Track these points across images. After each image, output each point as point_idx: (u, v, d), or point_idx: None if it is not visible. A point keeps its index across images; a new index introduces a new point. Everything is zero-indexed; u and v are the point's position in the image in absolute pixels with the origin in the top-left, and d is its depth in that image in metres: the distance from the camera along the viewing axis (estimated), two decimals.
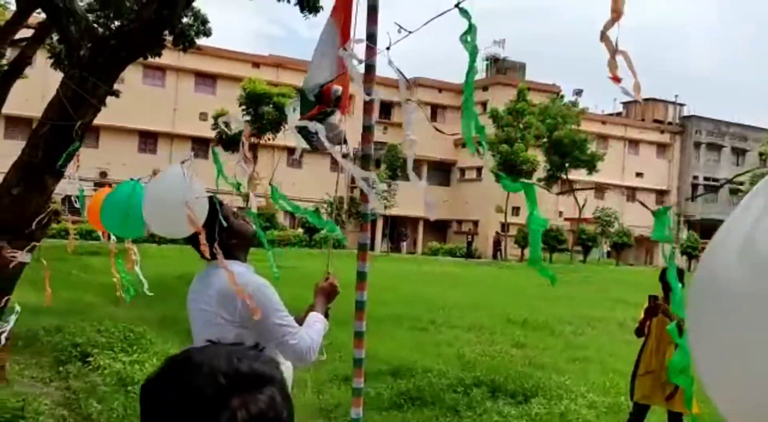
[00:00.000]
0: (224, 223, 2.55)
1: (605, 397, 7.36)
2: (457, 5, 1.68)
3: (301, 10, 13.62)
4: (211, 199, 2.69)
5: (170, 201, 2.61)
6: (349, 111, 2.93)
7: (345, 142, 2.92)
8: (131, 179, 3.32)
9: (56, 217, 5.16)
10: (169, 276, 13.37)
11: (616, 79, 1.39)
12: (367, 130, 2.95)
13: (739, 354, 0.80)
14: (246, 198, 2.82)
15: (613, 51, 1.31)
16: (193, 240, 2.64)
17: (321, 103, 2.85)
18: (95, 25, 13.43)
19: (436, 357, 9.06)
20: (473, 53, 1.73)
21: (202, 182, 2.79)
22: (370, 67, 2.80)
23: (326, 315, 2.76)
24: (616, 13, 1.25)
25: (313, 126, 2.30)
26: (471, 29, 1.67)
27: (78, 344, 7.89)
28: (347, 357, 8.82)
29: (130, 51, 4.99)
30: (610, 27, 1.30)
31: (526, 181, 1.71)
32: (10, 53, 13.82)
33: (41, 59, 19.12)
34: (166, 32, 16.98)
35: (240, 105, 36.45)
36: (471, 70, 1.76)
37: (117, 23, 12.47)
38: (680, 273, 6.25)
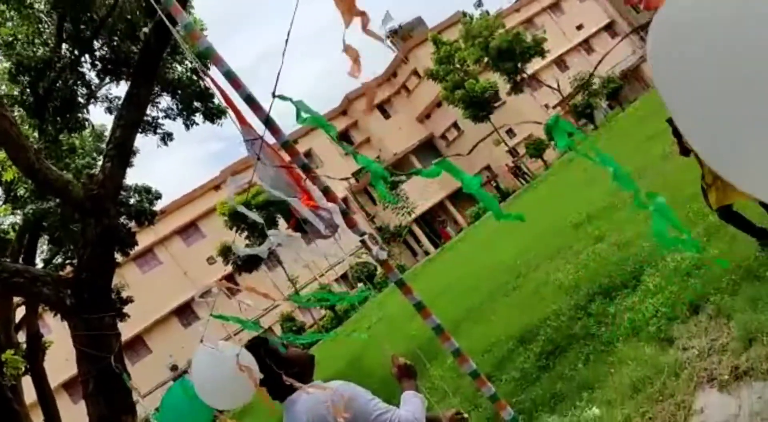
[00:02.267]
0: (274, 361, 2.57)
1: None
2: (275, 95, 1.67)
3: (212, 122, 13.78)
4: (255, 345, 2.70)
5: (225, 371, 2.64)
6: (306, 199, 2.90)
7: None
8: (173, 381, 3.33)
9: None
10: None
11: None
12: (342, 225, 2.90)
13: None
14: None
15: (355, 57, 1.33)
16: (264, 384, 2.66)
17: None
18: (62, 265, 13.64)
19: (542, 302, 8.94)
20: (322, 124, 1.71)
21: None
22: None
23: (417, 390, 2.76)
24: (348, 20, 1.26)
25: (259, 251, 2.30)
26: (300, 112, 1.66)
27: None
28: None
29: (101, 275, 5.03)
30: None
31: (438, 159, 1.69)
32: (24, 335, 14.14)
33: (50, 319, 19.44)
34: (127, 220, 17.17)
35: (230, 228, 36.71)
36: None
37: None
38: None
